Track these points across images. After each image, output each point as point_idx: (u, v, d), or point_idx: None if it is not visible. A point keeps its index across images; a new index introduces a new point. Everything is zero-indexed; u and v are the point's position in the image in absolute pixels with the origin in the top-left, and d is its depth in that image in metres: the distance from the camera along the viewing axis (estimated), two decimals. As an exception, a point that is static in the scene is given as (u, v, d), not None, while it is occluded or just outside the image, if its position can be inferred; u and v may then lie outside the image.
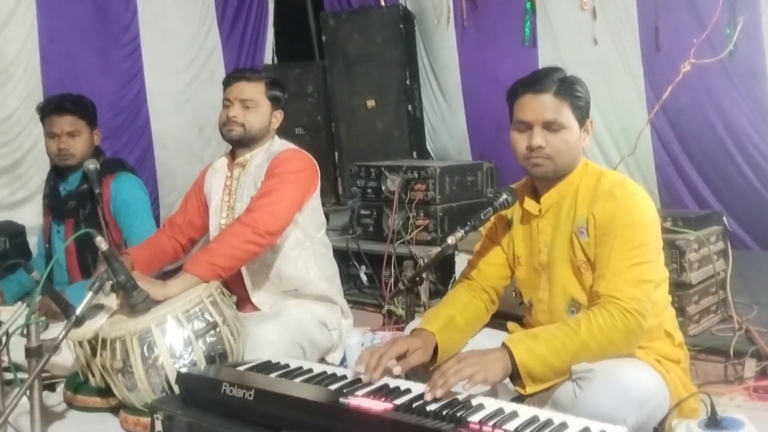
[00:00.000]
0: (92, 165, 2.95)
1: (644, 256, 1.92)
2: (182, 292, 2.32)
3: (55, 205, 3.17)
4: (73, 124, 3.07)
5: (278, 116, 2.81)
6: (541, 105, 1.98)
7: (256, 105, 2.73)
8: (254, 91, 2.73)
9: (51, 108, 3.10)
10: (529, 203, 2.12)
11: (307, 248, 2.76)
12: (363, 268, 3.72)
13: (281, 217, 2.57)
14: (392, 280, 3.54)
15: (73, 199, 3.11)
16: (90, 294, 2.10)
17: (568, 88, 1.99)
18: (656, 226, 2.00)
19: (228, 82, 2.78)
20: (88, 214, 3.07)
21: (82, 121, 3.09)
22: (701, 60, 3.52)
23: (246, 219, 2.50)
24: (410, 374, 2.09)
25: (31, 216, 3.94)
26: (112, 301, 2.35)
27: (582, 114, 2.01)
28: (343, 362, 2.77)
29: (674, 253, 2.72)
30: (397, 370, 1.90)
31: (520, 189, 2.17)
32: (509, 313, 2.45)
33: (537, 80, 2.01)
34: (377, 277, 3.66)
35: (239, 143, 2.75)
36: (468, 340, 2.18)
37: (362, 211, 3.89)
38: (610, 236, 1.94)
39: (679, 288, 2.70)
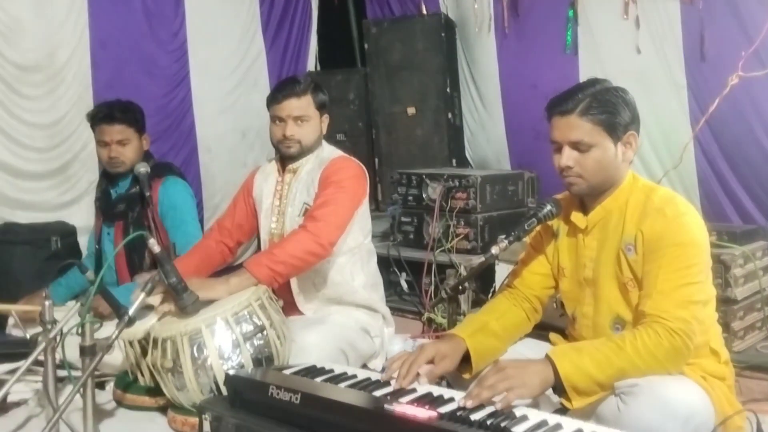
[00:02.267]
0: (143, 168, 3.01)
1: (693, 277, 1.90)
2: (240, 290, 2.37)
3: (106, 208, 3.24)
4: (122, 132, 3.13)
5: (326, 120, 2.85)
6: (567, 125, 1.99)
7: (309, 119, 2.75)
8: (305, 105, 2.74)
9: (101, 117, 3.17)
10: (577, 216, 2.12)
11: (355, 254, 2.79)
12: (403, 275, 3.75)
13: (341, 226, 2.62)
14: (432, 287, 3.56)
15: (122, 202, 3.18)
16: (142, 295, 2.16)
17: (597, 107, 1.97)
18: (706, 246, 1.98)
19: (276, 100, 2.75)
20: (137, 217, 3.14)
21: (131, 128, 3.15)
22: (749, 73, 3.48)
23: (311, 227, 2.53)
24: (452, 382, 2.12)
25: (80, 216, 4.05)
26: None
27: (617, 129, 1.99)
28: (384, 369, 2.79)
29: (719, 268, 2.70)
30: (423, 381, 1.92)
31: (568, 201, 2.17)
32: (551, 324, 2.46)
33: (563, 100, 2.00)
34: (417, 284, 3.67)
35: (295, 156, 2.79)
36: (507, 347, 2.18)
37: (403, 219, 3.92)
38: (658, 255, 1.92)
39: (724, 304, 2.68)
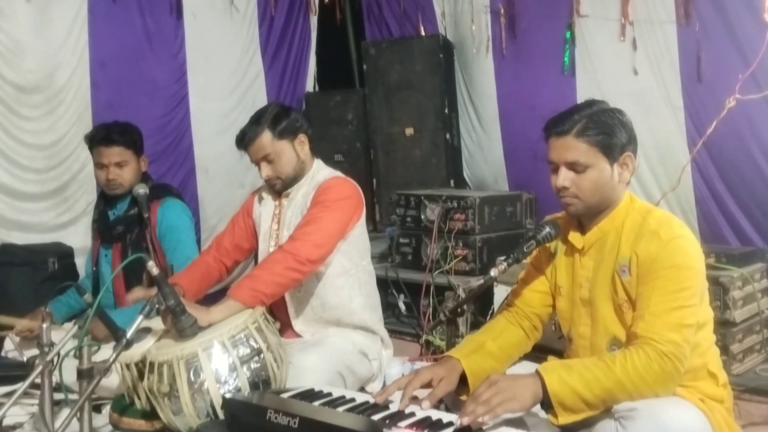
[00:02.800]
0: (142, 190, 3.01)
1: (686, 300, 1.90)
2: (225, 318, 2.35)
3: (104, 230, 3.23)
4: (120, 154, 3.12)
5: (302, 140, 2.77)
6: (564, 146, 2.00)
7: (277, 153, 2.71)
8: (266, 144, 2.69)
9: (98, 139, 3.16)
10: (574, 236, 2.13)
11: (352, 276, 2.78)
12: (401, 296, 3.74)
13: (323, 245, 2.59)
14: (430, 309, 3.55)
15: (121, 224, 3.17)
16: (140, 317, 2.15)
17: (594, 128, 1.98)
18: (701, 269, 1.98)
19: (241, 148, 2.75)
20: (135, 238, 3.13)
21: (128, 150, 3.14)
22: (746, 95, 3.51)
23: (287, 247, 2.54)
24: (451, 405, 2.11)
25: (77, 238, 4.05)
26: (157, 323, 2.41)
27: (613, 150, 1.99)
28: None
29: (718, 290, 2.70)
30: (426, 405, 1.91)
31: (565, 220, 2.18)
32: (549, 347, 2.46)
33: (560, 121, 2.01)
34: (415, 306, 3.67)
35: (285, 189, 2.80)
36: (506, 367, 2.18)
37: (401, 240, 3.92)
38: (652, 277, 1.92)
39: (722, 326, 2.68)
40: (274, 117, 2.73)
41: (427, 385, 1.97)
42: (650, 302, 1.90)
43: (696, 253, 1.97)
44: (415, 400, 1.94)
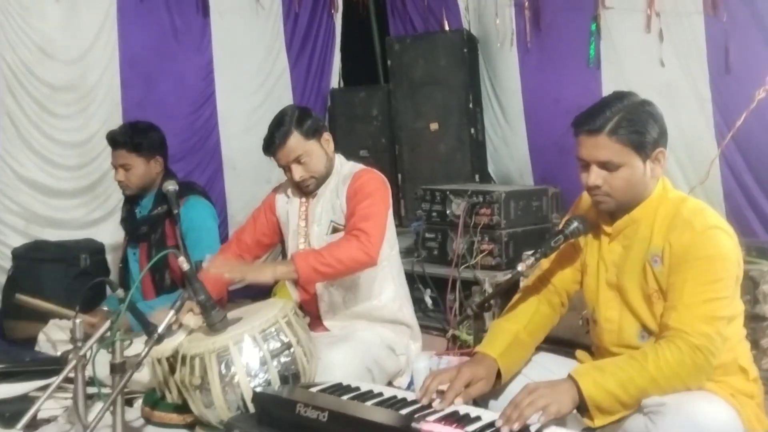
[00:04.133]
0: (171, 186, 3.03)
1: (719, 292, 1.88)
2: (283, 278, 2.51)
3: (131, 230, 3.28)
4: (123, 157, 3.15)
5: (327, 138, 2.79)
6: (595, 145, 1.95)
7: (308, 154, 2.72)
8: (296, 146, 2.70)
9: (108, 141, 3.22)
10: (604, 220, 2.10)
11: (384, 268, 2.79)
12: (428, 291, 3.75)
13: (383, 237, 2.66)
14: (457, 304, 3.56)
15: (145, 224, 3.20)
16: (171, 312, 2.19)
17: (627, 126, 1.93)
18: (736, 260, 1.95)
19: (269, 153, 2.75)
20: (159, 238, 3.16)
21: (132, 154, 3.15)
22: (776, 87, 3.46)
23: (363, 238, 2.56)
24: (479, 399, 2.11)
25: (108, 234, 4.11)
26: (188, 319, 2.45)
27: (646, 148, 1.95)
28: (410, 386, 2.78)
29: (748, 284, 2.68)
30: (459, 401, 1.92)
31: (595, 208, 2.15)
32: (576, 341, 2.45)
33: (591, 118, 1.96)
34: (442, 300, 3.67)
35: (318, 188, 2.81)
36: (532, 352, 2.18)
37: (427, 234, 3.92)
38: (685, 267, 1.90)
39: (752, 320, 2.65)
40: (299, 118, 2.73)
41: (468, 383, 1.97)
42: (683, 293, 1.88)
43: (730, 245, 1.94)
44: (442, 394, 1.94)
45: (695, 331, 1.84)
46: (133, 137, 3.17)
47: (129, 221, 3.30)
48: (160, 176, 3.23)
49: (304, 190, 2.79)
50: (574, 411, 1.88)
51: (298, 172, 2.72)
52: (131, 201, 3.31)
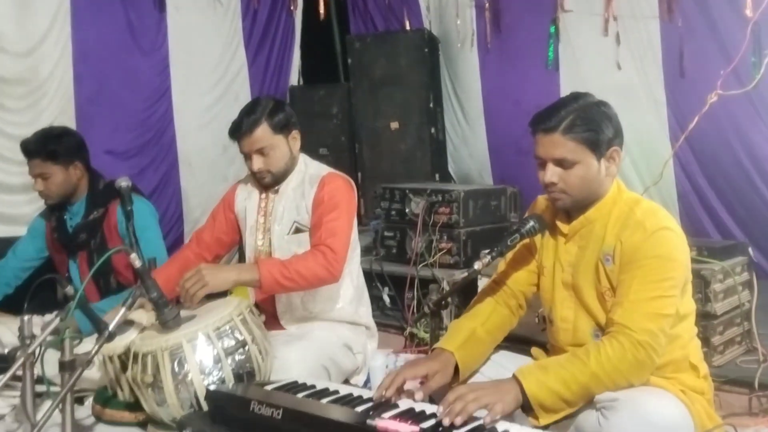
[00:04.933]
0: (124, 183, 2.91)
1: (666, 291, 1.91)
2: (245, 283, 2.50)
3: (66, 241, 3.13)
4: (40, 166, 3.03)
5: (295, 136, 2.76)
6: (551, 143, 1.99)
7: (272, 147, 2.68)
8: (262, 137, 2.66)
9: (22, 150, 3.07)
10: (561, 221, 2.13)
11: (345, 269, 2.76)
12: (386, 289, 3.75)
13: (347, 253, 2.65)
14: (415, 302, 3.56)
15: (82, 231, 3.09)
16: (123, 310, 2.15)
17: (581, 124, 1.97)
18: (685, 261, 1.99)
19: (235, 138, 2.71)
20: (99, 243, 3.06)
21: (48, 162, 3.02)
22: (728, 91, 3.54)
23: (330, 256, 2.54)
24: (435, 396, 2.11)
25: (60, 231, 4.01)
26: (140, 316, 2.40)
27: (600, 146, 1.99)
28: (366, 384, 2.79)
29: (699, 283, 2.72)
30: (419, 395, 1.91)
31: (552, 207, 2.17)
32: (533, 338, 2.47)
33: (547, 117, 2.00)
34: (400, 299, 3.68)
35: (274, 184, 2.77)
36: (491, 351, 2.19)
37: (386, 233, 3.93)
38: (634, 266, 1.93)
39: (703, 318, 2.70)
40: (271, 110, 2.69)
41: (424, 378, 1.97)
42: (630, 290, 1.91)
43: (681, 246, 1.98)
44: (405, 393, 1.94)
45: (639, 327, 1.86)
46: (46, 145, 3.03)
47: (62, 233, 3.14)
48: (84, 180, 3.12)
49: (260, 181, 2.77)
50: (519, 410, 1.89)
51: (257, 163, 2.69)
52: (57, 209, 3.16)
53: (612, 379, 1.85)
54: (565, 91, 4.29)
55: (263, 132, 2.66)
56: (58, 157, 3.03)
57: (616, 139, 2.03)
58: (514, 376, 1.88)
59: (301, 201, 2.71)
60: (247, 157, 2.72)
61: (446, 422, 1.74)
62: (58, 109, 4.15)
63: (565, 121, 1.97)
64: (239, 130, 2.68)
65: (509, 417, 1.89)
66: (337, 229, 2.60)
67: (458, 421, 1.74)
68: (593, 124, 1.98)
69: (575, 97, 2.05)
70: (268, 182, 2.75)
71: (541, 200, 2.27)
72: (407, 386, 1.96)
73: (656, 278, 1.91)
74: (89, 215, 3.09)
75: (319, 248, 2.57)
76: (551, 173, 2.01)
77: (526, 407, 1.86)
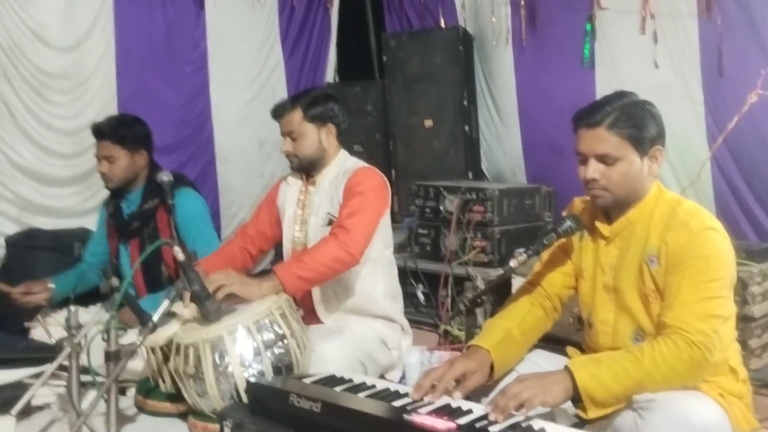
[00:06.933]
0: (165, 177, 2.98)
1: (715, 291, 1.90)
2: (268, 294, 2.44)
3: (120, 227, 3.21)
4: (107, 148, 3.11)
5: (330, 130, 2.82)
6: (595, 138, 1.98)
7: (300, 134, 2.77)
8: (292, 122, 2.78)
9: (93, 132, 3.18)
10: (601, 223, 2.12)
11: (377, 265, 2.82)
12: (420, 287, 3.77)
13: (368, 236, 2.65)
14: (449, 300, 3.58)
15: (136, 220, 3.16)
16: (166, 302, 2.20)
17: (626, 121, 1.97)
18: (731, 261, 1.98)
19: (273, 117, 2.87)
20: (152, 232, 3.12)
21: (116, 146, 3.10)
22: (768, 91, 3.50)
23: (342, 236, 2.57)
24: (471, 393, 2.13)
25: (101, 223, 4.11)
26: (182, 309, 2.45)
27: (644, 144, 1.98)
28: (401, 380, 2.81)
29: (737, 285, 2.67)
30: (457, 395, 1.93)
31: (591, 207, 2.17)
32: (568, 338, 2.47)
33: (591, 112, 2.00)
34: (434, 296, 3.69)
35: (302, 170, 2.84)
36: (525, 352, 2.19)
37: (420, 230, 3.95)
38: (681, 267, 1.92)
39: (741, 321, 2.67)
40: (312, 100, 2.82)
41: (462, 376, 1.98)
42: (679, 292, 1.90)
43: (726, 245, 1.97)
44: (446, 392, 1.95)
45: (692, 328, 1.85)
46: (117, 129, 3.12)
47: (117, 218, 3.23)
48: (146, 171, 3.19)
49: (290, 165, 2.86)
50: (566, 405, 1.90)
51: (286, 145, 2.81)
52: (116, 196, 3.24)
53: (666, 377, 1.84)
54: (600, 90, 4.28)
55: (295, 117, 2.78)
56: (126, 141, 3.12)
57: (660, 138, 2.03)
58: (566, 368, 1.88)
59: (335, 194, 2.76)
60: (283, 137, 2.83)
61: (492, 417, 1.76)
62: (102, 104, 4.22)
63: (609, 116, 1.97)
64: (277, 110, 2.84)
65: (549, 414, 1.90)
66: (356, 212, 2.63)
67: (500, 419, 1.75)
68: (638, 121, 1.98)
69: (620, 94, 2.05)
70: (295, 166, 2.83)
71: (578, 202, 2.27)
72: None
73: (705, 279, 1.90)
74: (144, 205, 3.16)
75: (333, 231, 2.62)
76: (593, 169, 2.00)
77: (576, 399, 1.86)
